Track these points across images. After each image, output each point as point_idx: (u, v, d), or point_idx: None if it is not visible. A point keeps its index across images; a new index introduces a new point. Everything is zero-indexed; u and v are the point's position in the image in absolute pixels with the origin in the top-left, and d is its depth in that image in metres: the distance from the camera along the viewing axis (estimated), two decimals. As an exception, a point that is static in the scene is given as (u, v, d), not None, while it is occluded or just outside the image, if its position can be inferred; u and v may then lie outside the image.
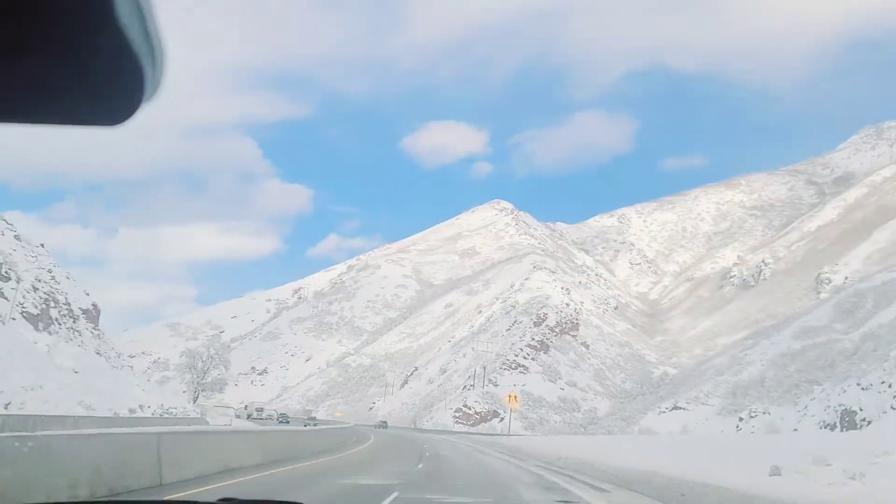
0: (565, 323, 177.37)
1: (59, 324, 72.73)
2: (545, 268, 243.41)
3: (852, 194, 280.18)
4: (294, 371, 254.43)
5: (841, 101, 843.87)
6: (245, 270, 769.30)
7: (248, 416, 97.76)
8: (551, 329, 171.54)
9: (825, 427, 69.97)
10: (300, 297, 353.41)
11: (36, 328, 53.87)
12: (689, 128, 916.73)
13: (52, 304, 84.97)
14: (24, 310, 53.41)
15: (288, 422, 74.11)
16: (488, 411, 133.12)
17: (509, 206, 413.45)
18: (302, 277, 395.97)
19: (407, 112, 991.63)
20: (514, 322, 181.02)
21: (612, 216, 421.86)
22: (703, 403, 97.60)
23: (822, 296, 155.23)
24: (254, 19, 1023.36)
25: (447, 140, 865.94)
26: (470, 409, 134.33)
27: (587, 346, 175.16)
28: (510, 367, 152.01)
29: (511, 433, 72.38)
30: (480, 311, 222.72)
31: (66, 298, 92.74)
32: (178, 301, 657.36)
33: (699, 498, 14.08)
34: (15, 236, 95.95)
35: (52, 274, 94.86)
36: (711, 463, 20.24)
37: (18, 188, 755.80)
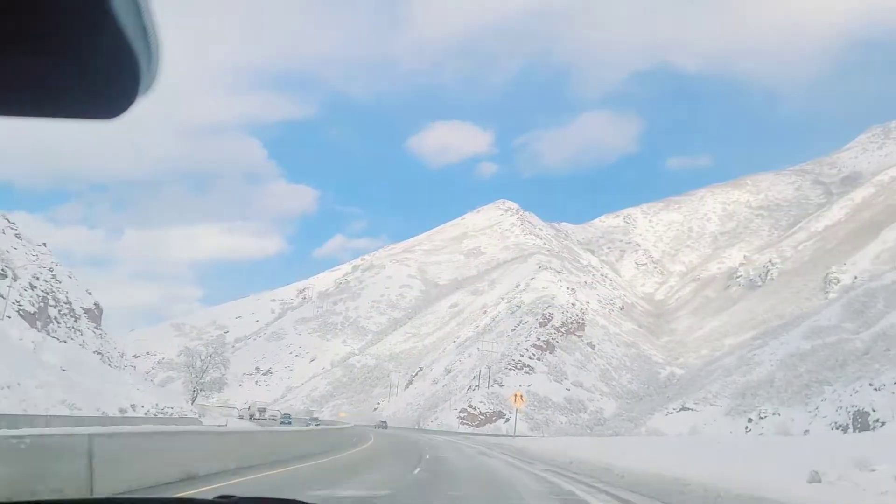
0: (571, 323, 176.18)
1: (59, 322, 71.98)
2: (550, 268, 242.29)
3: (860, 194, 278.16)
4: (299, 371, 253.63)
5: (848, 100, 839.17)
6: (250, 271, 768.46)
7: (251, 417, 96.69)
8: (557, 329, 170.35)
9: (837, 428, 68.83)
10: (305, 298, 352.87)
11: (32, 326, 53.00)
12: (695, 128, 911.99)
13: (53, 302, 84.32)
14: (20, 307, 52.60)
15: (290, 422, 72.75)
16: (493, 412, 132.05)
17: (514, 206, 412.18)
18: (307, 278, 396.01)
19: (412, 112, 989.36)
20: (520, 322, 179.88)
21: (617, 216, 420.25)
22: (711, 404, 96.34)
23: (831, 296, 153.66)
24: (258, 20, 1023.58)
25: (452, 140, 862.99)
26: (475, 409, 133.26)
27: (593, 347, 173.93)
28: (515, 367, 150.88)
29: (517, 434, 70.41)
30: (485, 312, 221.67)
31: (66, 297, 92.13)
32: (183, 301, 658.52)
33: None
34: (16, 234, 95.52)
35: (52, 273, 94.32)
36: (745, 469, 18.40)
37: (24, 189, 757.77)
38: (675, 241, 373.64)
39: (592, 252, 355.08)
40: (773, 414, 79.94)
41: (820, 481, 12.97)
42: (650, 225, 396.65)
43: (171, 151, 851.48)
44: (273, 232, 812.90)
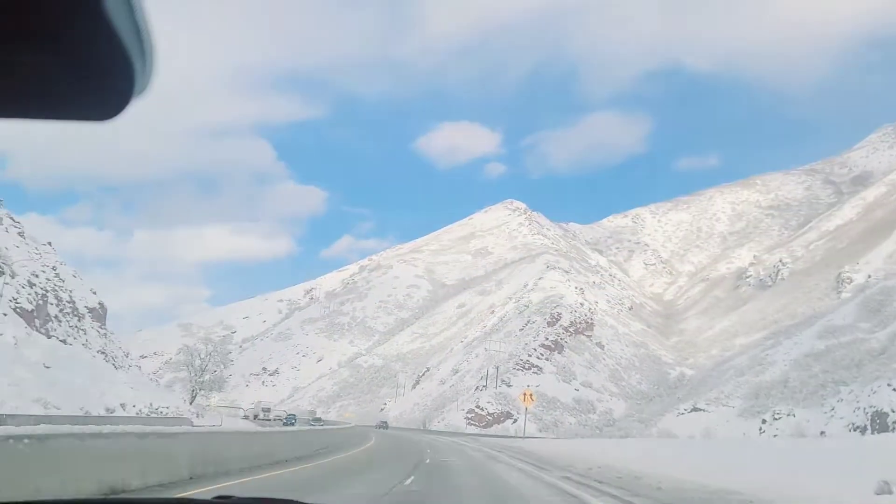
0: (579, 323, 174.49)
1: (59, 321, 70.76)
2: (559, 267, 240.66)
3: (871, 193, 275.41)
4: (305, 372, 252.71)
5: (858, 99, 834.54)
6: (259, 272, 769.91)
7: (255, 417, 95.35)
8: (565, 329, 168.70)
9: (854, 429, 67.05)
10: (312, 298, 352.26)
11: (30, 323, 51.91)
12: (704, 127, 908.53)
13: (56, 301, 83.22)
14: (17, 305, 51.51)
15: (293, 423, 70.99)
16: (501, 412, 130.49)
17: (522, 205, 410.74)
18: (314, 278, 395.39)
19: (420, 113, 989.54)
20: (528, 322, 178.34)
21: (626, 216, 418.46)
22: (723, 405, 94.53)
23: (844, 295, 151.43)
24: (267, 21, 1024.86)
25: (460, 141, 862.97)
26: (482, 410, 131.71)
27: (602, 347, 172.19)
28: (523, 367, 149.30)
29: (526, 435, 67.75)
30: (493, 311, 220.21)
31: (70, 296, 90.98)
32: (192, 302, 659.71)
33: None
34: (19, 233, 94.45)
35: (56, 271, 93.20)
36: (795, 476, 16.08)
37: (34, 191, 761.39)
38: (683, 241, 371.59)
39: (600, 252, 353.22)
40: (788, 415, 78.12)
41: (891, 492, 11.20)
42: (659, 225, 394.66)
43: (179, 152, 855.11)
44: (281, 233, 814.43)
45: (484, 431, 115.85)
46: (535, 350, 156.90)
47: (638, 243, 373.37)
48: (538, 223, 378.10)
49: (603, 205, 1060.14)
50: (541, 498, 17.01)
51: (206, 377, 57.57)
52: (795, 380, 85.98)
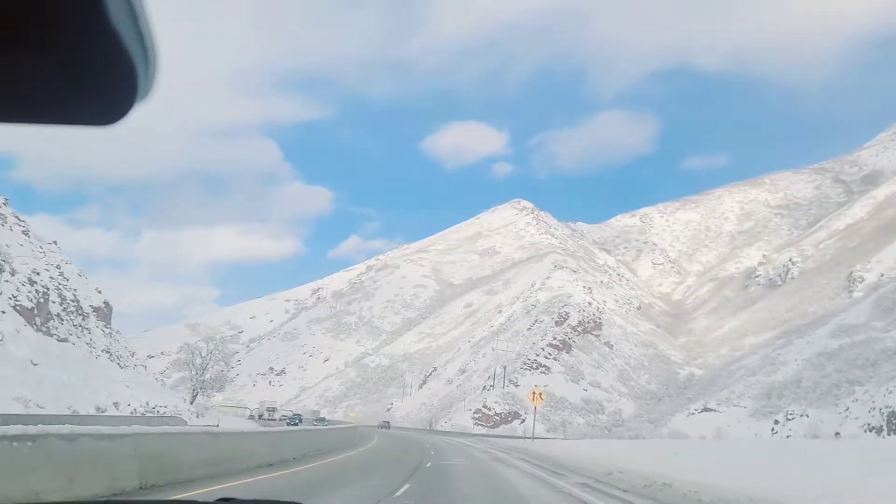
0: (588, 322, 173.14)
1: (61, 319, 70.00)
2: (566, 267, 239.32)
3: (882, 192, 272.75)
4: (312, 371, 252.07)
5: (868, 98, 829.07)
6: (266, 272, 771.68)
7: (260, 417, 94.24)
8: (573, 328, 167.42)
9: (870, 430, 65.69)
10: (319, 298, 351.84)
11: (30, 321, 51.12)
12: (713, 126, 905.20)
13: (59, 299, 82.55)
14: (17, 303, 50.77)
15: (297, 423, 69.33)
16: (509, 412, 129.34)
17: (529, 205, 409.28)
18: (321, 278, 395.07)
19: (427, 113, 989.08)
20: (535, 321, 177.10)
21: (633, 216, 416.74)
22: (734, 405, 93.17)
23: (856, 294, 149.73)
24: (273, 22, 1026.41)
25: (467, 141, 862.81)
26: (490, 410, 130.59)
27: (611, 346, 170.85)
28: (531, 367, 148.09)
29: (535, 436, 65.90)
30: (500, 311, 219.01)
31: (74, 295, 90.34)
32: (200, 302, 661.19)
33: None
34: (23, 231, 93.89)
35: (60, 270, 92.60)
36: (857, 485, 13.65)
37: (43, 191, 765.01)
38: (692, 241, 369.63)
39: (608, 252, 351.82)
40: (802, 415, 76.77)
41: None
42: (667, 224, 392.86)
43: (187, 153, 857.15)
44: (289, 233, 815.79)
45: (491, 432, 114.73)
46: (543, 349, 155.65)
47: (646, 243, 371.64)
48: (545, 223, 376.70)
49: (611, 204, 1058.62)
50: None
51: (207, 376, 56.35)
52: (808, 380, 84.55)
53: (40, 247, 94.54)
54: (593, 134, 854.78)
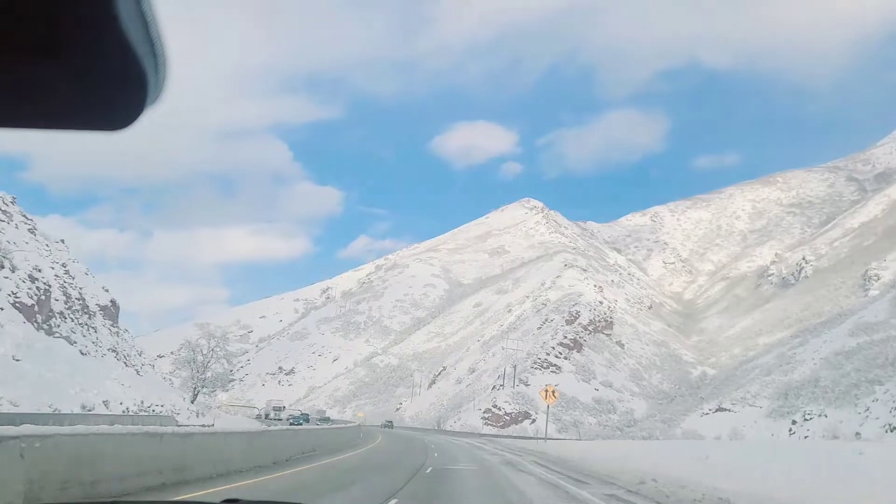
0: (599, 321, 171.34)
1: (64, 317, 68.98)
2: (577, 266, 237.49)
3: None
4: (321, 371, 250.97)
5: (881, 95, 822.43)
6: (276, 272, 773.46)
7: (266, 416, 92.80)
8: (584, 327, 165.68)
9: (892, 430, 63.86)
10: (328, 297, 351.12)
11: (30, 319, 50.07)
12: (724, 125, 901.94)
13: (65, 298, 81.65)
14: (17, 300, 49.75)
15: (301, 423, 67.06)
16: (519, 412, 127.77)
17: (539, 204, 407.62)
18: (331, 278, 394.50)
19: (436, 113, 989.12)
20: (546, 320, 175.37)
21: (644, 215, 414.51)
22: (750, 405, 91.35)
23: (872, 292, 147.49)
24: (282, 22, 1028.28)
25: (477, 140, 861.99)
26: (500, 409, 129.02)
27: (622, 346, 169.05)
28: (542, 366, 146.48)
29: (548, 437, 62.41)
30: (510, 310, 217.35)
31: (79, 293, 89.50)
32: (211, 303, 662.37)
33: None
34: (29, 230, 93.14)
35: (66, 268, 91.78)
36: None
37: (56, 193, 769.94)
38: (703, 240, 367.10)
39: (619, 251, 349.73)
40: (820, 415, 74.93)
41: None
42: (678, 223, 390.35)
43: (197, 154, 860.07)
44: (299, 233, 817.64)
45: (501, 432, 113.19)
46: (554, 349, 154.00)
47: (657, 242, 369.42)
48: (555, 222, 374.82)
49: (621, 203, 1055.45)
50: None
51: (209, 374, 54.82)
52: (826, 379, 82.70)
53: (46, 245, 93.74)
54: (603, 133, 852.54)
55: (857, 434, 65.63)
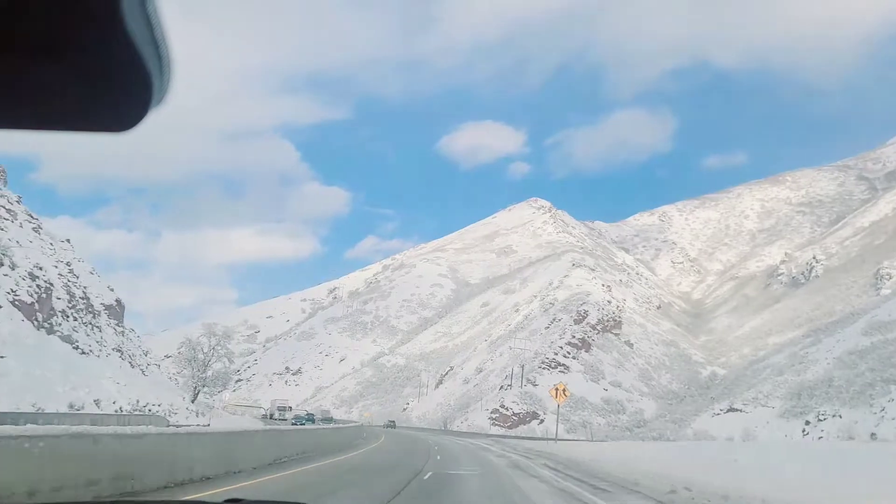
0: (607, 321, 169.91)
1: (67, 316, 68.21)
2: (584, 265, 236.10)
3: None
4: (328, 371, 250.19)
5: (892, 93, 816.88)
6: (283, 273, 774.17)
7: (271, 416, 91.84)
8: (593, 327, 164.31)
9: (909, 431, 62.42)
10: (335, 297, 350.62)
11: (29, 317, 49.26)
12: (732, 124, 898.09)
13: (68, 297, 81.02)
14: (16, 297, 48.93)
15: (304, 423, 65.26)
16: (527, 412, 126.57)
17: (547, 204, 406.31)
18: (337, 278, 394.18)
19: (443, 113, 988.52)
20: (554, 320, 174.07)
21: (652, 214, 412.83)
22: (762, 405, 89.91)
23: (884, 291, 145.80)
24: (289, 23, 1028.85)
25: (484, 140, 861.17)
26: (507, 410, 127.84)
27: (631, 345, 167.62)
28: (550, 366, 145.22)
29: (558, 437, 59.31)
30: (518, 310, 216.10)
31: (84, 293, 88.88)
32: (218, 303, 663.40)
33: None
34: (33, 228, 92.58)
35: (70, 267, 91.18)
36: None
37: (65, 194, 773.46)
38: (711, 239, 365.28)
39: (627, 251, 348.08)
40: (834, 416, 73.50)
41: None
42: (686, 223, 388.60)
43: (205, 155, 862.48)
44: (306, 234, 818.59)
45: (509, 432, 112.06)
46: (562, 348, 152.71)
47: (665, 241, 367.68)
48: (563, 221, 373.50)
49: (629, 203, 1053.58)
50: None
51: (209, 373, 53.64)
52: (840, 379, 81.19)
53: (51, 244, 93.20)
54: (611, 132, 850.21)
55: (873, 434, 64.25)
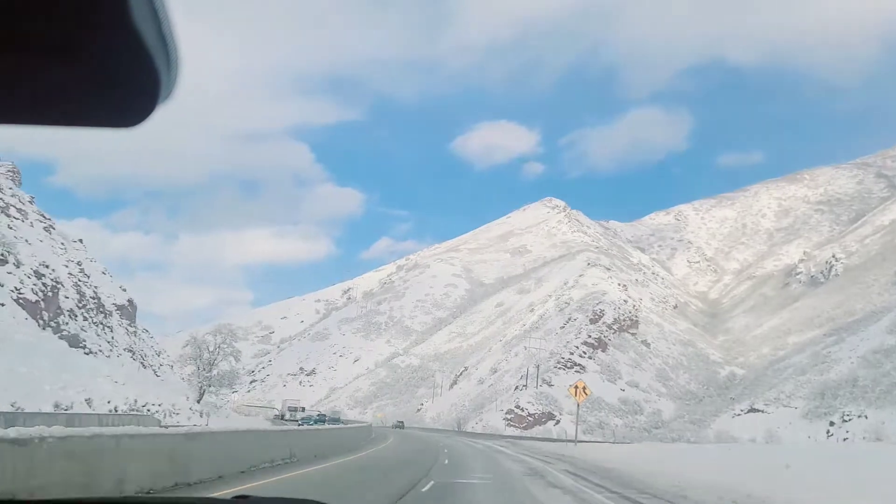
0: (623, 320, 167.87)
1: (75, 315, 67.41)
2: (600, 265, 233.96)
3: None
4: (342, 372, 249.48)
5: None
6: (298, 274, 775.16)
7: (282, 417, 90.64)
8: (609, 326, 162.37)
9: (940, 432, 60.35)
10: (349, 298, 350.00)
11: (34, 315, 48.36)
12: (749, 123, 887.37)
13: (78, 296, 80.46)
14: (20, 295, 48.07)
15: (311, 423, 63.17)
16: (542, 413, 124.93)
17: (561, 203, 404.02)
18: (352, 278, 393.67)
19: (457, 113, 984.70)
20: (569, 319, 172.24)
21: (668, 214, 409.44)
22: (784, 405, 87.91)
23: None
24: (304, 24, 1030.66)
25: (498, 140, 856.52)
26: (523, 410, 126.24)
27: (648, 345, 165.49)
28: (565, 366, 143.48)
29: (576, 439, 53.73)
30: (533, 310, 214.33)
31: (94, 292, 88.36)
32: (234, 304, 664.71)
33: None
34: (45, 228, 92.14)
35: (81, 267, 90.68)
36: None
37: (83, 196, 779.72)
38: (728, 239, 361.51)
39: (642, 250, 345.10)
40: (860, 416, 71.42)
41: None
42: (702, 222, 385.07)
43: (220, 156, 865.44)
44: (320, 235, 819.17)
45: (524, 433, 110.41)
46: (578, 348, 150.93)
47: (681, 241, 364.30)
48: (578, 221, 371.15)
49: (644, 202, 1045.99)
50: None
51: (215, 372, 52.38)
52: (865, 378, 79.11)
53: (62, 244, 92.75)
54: (626, 132, 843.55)
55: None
